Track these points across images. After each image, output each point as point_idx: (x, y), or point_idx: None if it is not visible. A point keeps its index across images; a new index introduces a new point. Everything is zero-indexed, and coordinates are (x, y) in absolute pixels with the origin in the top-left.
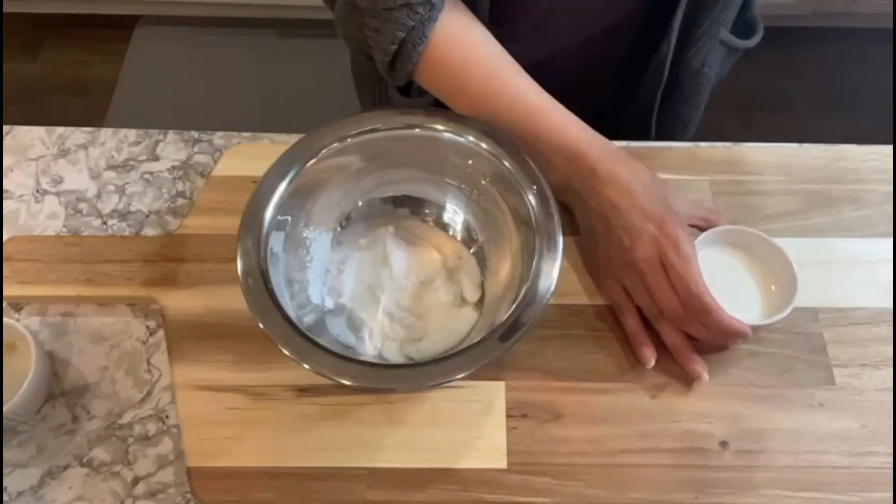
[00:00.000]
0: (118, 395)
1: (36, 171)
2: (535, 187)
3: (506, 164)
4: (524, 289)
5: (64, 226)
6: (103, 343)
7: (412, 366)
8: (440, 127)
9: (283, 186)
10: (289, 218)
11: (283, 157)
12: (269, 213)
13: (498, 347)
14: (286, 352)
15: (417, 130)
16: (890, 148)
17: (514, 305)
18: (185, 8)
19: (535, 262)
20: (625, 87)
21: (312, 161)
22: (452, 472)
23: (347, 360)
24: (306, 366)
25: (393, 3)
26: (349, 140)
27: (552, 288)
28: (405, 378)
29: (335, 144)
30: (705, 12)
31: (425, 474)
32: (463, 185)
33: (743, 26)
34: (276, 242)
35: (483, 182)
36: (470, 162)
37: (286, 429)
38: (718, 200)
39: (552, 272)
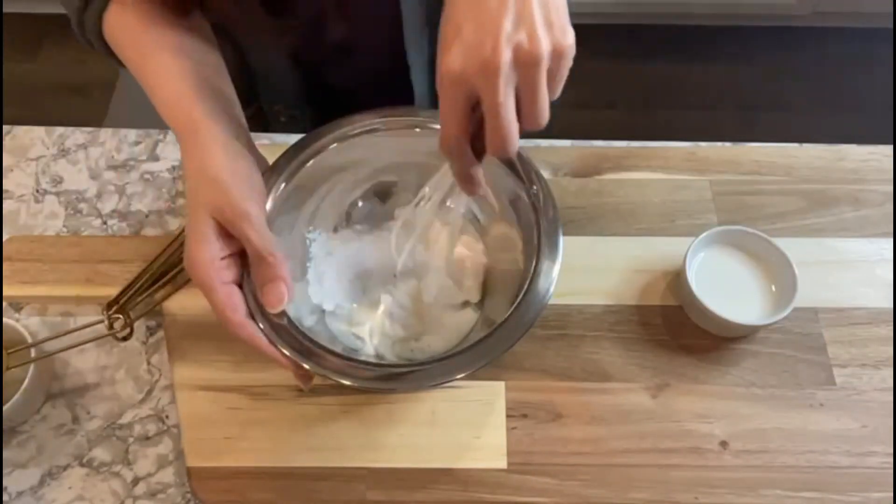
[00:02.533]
0: (118, 395)
1: (36, 171)
2: (535, 187)
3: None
4: (524, 289)
5: (64, 226)
6: (103, 343)
7: (412, 366)
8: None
9: (282, 186)
10: (289, 218)
11: (283, 156)
12: (268, 212)
13: (498, 347)
14: (286, 352)
15: (417, 130)
16: (890, 148)
17: (514, 305)
18: None
19: (535, 262)
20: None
21: (312, 161)
22: (452, 472)
23: (347, 360)
24: (306, 366)
25: None
26: (349, 140)
27: (552, 288)
28: (405, 378)
29: (335, 144)
30: None
31: (425, 474)
32: None
33: None
34: (276, 242)
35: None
36: None
37: (286, 429)
38: (718, 200)
39: (552, 272)
